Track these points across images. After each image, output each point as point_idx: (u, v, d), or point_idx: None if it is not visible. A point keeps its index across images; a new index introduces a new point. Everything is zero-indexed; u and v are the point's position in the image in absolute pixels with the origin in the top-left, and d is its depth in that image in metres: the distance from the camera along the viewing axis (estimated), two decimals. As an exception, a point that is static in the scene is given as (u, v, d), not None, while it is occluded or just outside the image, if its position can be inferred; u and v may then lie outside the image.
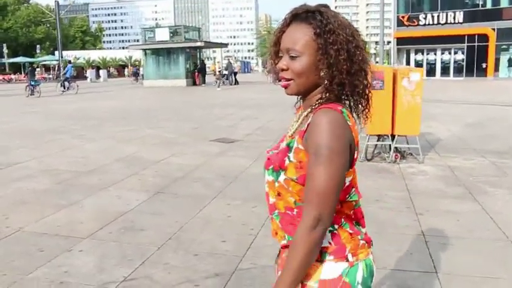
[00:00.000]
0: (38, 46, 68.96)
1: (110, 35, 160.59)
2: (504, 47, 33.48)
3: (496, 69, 33.44)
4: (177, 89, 27.85)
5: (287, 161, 1.36)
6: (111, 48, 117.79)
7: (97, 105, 18.10)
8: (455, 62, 34.62)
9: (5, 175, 6.64)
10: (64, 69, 27.58)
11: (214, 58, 38.27)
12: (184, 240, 4.11)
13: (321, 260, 1.35)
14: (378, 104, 5.89)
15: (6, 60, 59.36)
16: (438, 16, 34.48)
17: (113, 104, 18.57)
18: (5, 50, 59.18)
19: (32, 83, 23.85)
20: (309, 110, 1.40)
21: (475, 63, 33.49)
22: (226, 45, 43.31)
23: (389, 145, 7.90)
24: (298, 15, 1.41)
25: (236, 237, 4.19)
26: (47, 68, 55.50)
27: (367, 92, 1.44)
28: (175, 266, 3.59)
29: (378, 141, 7.84)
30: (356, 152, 1.37)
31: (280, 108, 15.42)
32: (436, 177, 6.46)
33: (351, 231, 1.39)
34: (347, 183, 1.36)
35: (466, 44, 34.14)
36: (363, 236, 1.43)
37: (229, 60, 32.62)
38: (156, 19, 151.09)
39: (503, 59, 33.66)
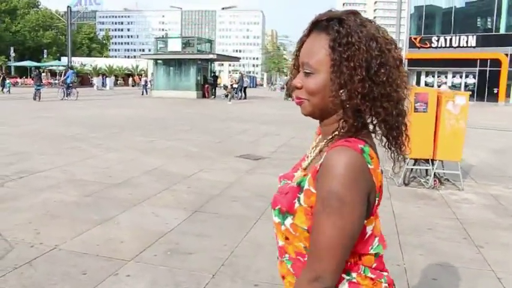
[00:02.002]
0: (45, 51, 69.04)
1: (116, 43, 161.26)
2: (517, 73, 33.39)
3: (508, 94, 33.24)
4: (188, 101, 27.57)
5: (297, 204, 1.16)
6: (116, 57, 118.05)
7: (109, 113, 17.80)
8: (466, 85, 34.43)
9: (30, 184, 6.30)
10: (65, 75, 27.25)
11: (221, 71, 38.05)
12: (239, 268, 3.76)
13: None
14: (420, 126, 5.54)
15: (12, 64, 59.31)
16: (451, 39, 34.40)
17: (125, 113, 18.27)
18: (12, 53, 59.19)
19: (37, 87, 23.62)
20: (324, 142, 1.20)
21: (486, 87, 33.32)
22: (238, 59, 43.22)
23: (426, 170, 7.62)
24: (319, 23, 1.18)
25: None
26: (53, 74, 55.35)
27: (398, 123, 1.18)
28: None
29: (414, 165, 7.55)
30: (378, 198, 1.15)
31: (298, 125, 15.10)
32: (483, 206, 6.14)
33: (372, 276, 1.19)
34: (368, 233, 1.16)
35: (477, 68, 34.01)
36: (386, 278, 1.23)
37: (241, 74, 32.36)
38: (163, 29, 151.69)
39: (516, 85, 33.55)
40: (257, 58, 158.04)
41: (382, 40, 1.14)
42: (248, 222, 4.95)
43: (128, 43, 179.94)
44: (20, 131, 11.86)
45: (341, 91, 1.12)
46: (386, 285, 1.23)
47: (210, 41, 34.16)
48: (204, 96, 31.08)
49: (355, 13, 1.18)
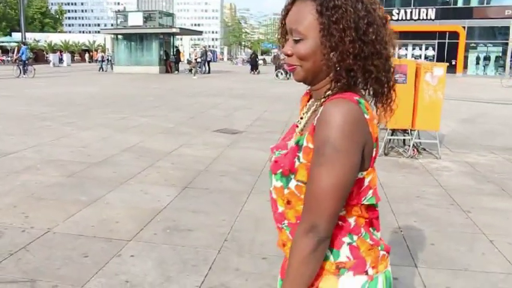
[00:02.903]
0: (-6, 26, 65.59)
1: (69, 18, 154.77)
2: (473, 45, 34.28)
3: (465, 66, 34.22)
4: (151, 76, 26.92)
5: (297, 163, 1.16)
6: (70, 32, 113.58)
7: (73, 91, 17.15)
8: (426, 57, 35.11)
9: (4, 166, 6.01)
10: (18, 52, 26.02)
11: (179, 46, 37.27)
12: (243, 242, 3.74)
13: (338, 273, 1.18)
14: (399, 98, 5.68)
15: (-42, 40, 56.11)
16: (411, 12, 34.88)
17: (89, 90, 17.65)
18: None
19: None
20: (320, 100, 1.21)
21: (445, 59, 34.15)
22: (200, 32, 42.41)
23: (404, 140, 7.78)
24: None
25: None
26: (4, 50, 52.73)
27: (388, 78, 1.21)
28: (250, 272, 3.23)
29: (392, 135, 7.68)
30: (375, 149, 1.16)
31: (266, 98, 15.14)
32: (462, 174, 6.35)
33: (371, 242, 1.22)
34: (365, 184, 1.17)
35: (437, 41, 34.74)
36: (383, 246, 1.26)
37: (205, 48, 31.77)
38: (118, 3, 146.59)
39: (472, 56, 34.44)
40: (216, 32, 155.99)
41: (367, 0, 1.15)
42: (241, 196, 4.92)
43: (82, 18, 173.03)
44: (-20, 111, 11.28)
45: (332, 53, 1.13)
46: (384, 252, 1.25)
47: (171, 15, 33.24)
48: (167, 71, 30.43)
49: None
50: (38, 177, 5.51)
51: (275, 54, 29.51)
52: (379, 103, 1.23)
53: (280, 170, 1.20)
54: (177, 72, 30.83)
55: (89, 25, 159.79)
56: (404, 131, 7.58)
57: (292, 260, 1.13)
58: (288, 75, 23.47)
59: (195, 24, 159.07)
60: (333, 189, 1.08)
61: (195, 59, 28.16)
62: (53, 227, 3.99)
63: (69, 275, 3.15)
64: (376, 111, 1.24)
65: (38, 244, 3.64)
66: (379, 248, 1.24)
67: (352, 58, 1.12)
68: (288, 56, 1.20)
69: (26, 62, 25.03)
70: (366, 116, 1.12)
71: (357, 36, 1.11)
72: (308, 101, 1.33)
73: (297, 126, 1.30)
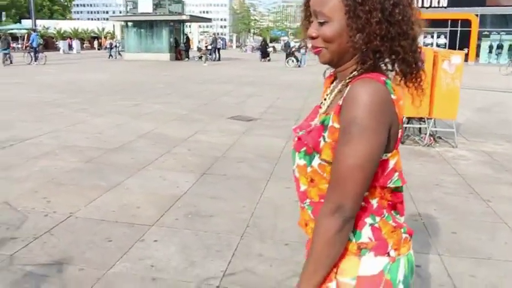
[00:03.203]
0: (3, 13, 65.53)
1: (78, 5, 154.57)
2: (486, 33, 33.72)
3: (477, 54, 33.76)
4: (162, 64, 26.87)
5: (322, 142, 1.16)
6: (79, 19, 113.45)
7: (83, 78, 17.18)
8: (437, 45, 34.64)
9: (22, 152, 6.05)
10: (29, 39, 26.09)
11: (189, 33, 37.06)
12: (265, 229, 3.74)
13: (360, 254, 1.17)
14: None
15: (-32, 27, 56.16)
16: (423, 0, 34.42)
17: (99, 77, 17.68)
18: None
19: (5, 51, 22.78)
20: (345, 80, 1.19)
21: (457, 48, 33.73)
22: (210, 20, 42.24)
23: (419, 128, 7.73)
24: None
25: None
26: (14, 37, 52.81)
27: (415, 59, 1.19)
28: (273, 258, 3.23)
29: (407, 123, 7.63)
30: (400, 130, 1.15)
31: (278, 86, 15.06)
32: (479, 163, 6.29)
33: (394, 224, 1.21)
34: (390, 167, 1.16)
35: (449, 29, 34.24)
36: (406, 229, 1.24)
37: (215, 35, 31.63)
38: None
39: (484, 45, 33.89)
40: (225, 19, 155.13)
41: None
42: (259, 183, 4.91)
43: (91, 5, 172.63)
44: (-6, 97, 11.34)
45: (358, 35, 1.12)
46: (407, 235, 1.24)
47: (181, 2, 32.97)
48: (177, 58, 30.36)
49: None
50: (57, 163, 5.54)
51: (285, 42, 29.27)
52: (409, 83, 1.21)
53: (304, 148, 1.20)
54: (187, 59, 30.73)
55: (98, 12, 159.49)
56: (420, 119, 7.53)
57: (317, 241, 1.12)
58: (299, 63, 23.37)
59: (204, 12, 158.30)
60: (359, 168, 1.07)
61: (206, 46, 28.05)
62: (75, 211, 4.02)
63: (94, 259, 3.17)
64: (408, 91, 1.22)
65: (61, 228, 3.67)
66: (402, 230, 1.23)
67: (379, 39, 1.11)
68: (313, 38, 1.19)
69: (37, 49, 25.09)
70: (392, 96, 1.11)
71: (383, 17, 1.10)
72: (332, 83, 1.32)
73: (320, 108, 1.29)
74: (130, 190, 4.64)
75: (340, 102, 1.13)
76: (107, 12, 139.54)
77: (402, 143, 7.29)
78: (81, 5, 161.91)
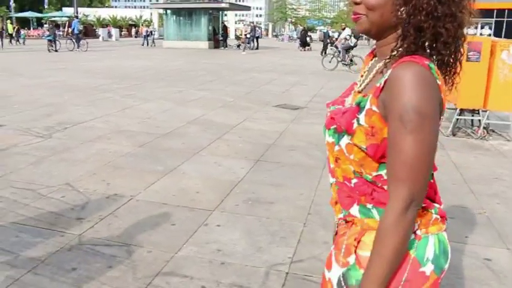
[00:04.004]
0: (45, 1, 67.25)
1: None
2: (534, 22, 32.47)
3: (525, 45, 32.44)
4: (201, 51, 26.98)
5: (355, 124, 1.10)
6: (116, 7, 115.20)
7: (125, 64, 17.42)
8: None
9: (77, 135, 6.17)
10: (70, 26, 26.60)
11: (226, 22, 37.05)
12: (327, 216, 3.67)
13: None
14: (471, 76, 5.38)
15: (13, 15, 57.81)
16: (468, -13, 33.23)
17: (141, 64, 17.89)
18: (12, 4, 57.59)
19: (53, 39, 23.43)
20: (385, 61, 1.13)
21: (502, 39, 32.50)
22: (249, 8, 42.09)
23: (472, 120, 7.47)
24: None
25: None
26: (56, 25, 54.14)
27: (457, 48, 1.13)
28: (340, 248, 3.17)
29: (459, 115, 7.37)
30: (442, 117, 1.10)
31: (320, 76, 14.84)
32: (539, 156, 6.03)
33: (423, 204, 1.12)
34: None
35: (494, 19, 33.00)
36: (437, 210, 1.18)
37: (254, 24, 31.49)
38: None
39: (533, 35, 32.67)
40: (260, 8, 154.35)
41: None
42: (315, 171, 4.85)
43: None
44: (43, 82, 11.62)
45: (404, 7, 1.07)
46: (438, 216, 1.18)
47: (220, -10, 32.94)
48: (216, 46, 30.42)
49: None
50: (111, 147, 5.63)
51: (324, 31, 28.74)
52: (445, 72, 1.15)
53: (334, 126, 1.16)
54: (224, 48, 30.77)
55: (135, 0, 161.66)
56: (473, 111, 7.26)
57: (391, 242, 1.05)
58: (338, 57, 20.70)
59: (239, 0, 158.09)
60: (426, 156, 1.03)
61: (245, 35, 27.96)
62: (135, 194, 4.06)
63: (160, 242, 3.19)
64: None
65: (124, 210, 3.71)
66: (433, 211, 1.17)
67: (424, 15, 1.06)
68: (356, 4, 1.15)
69: (79, 35, 25.61)
70: (437, 81, 1.06)
71: None
72: (371, 61, 1.27)
73: (356, 84, 1.24)
74: (187, 175, 4.65)
75: (379, 85, 1.08)
76: (144, 0, 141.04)
77: (454, 135, 7.06)
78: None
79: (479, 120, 7.13)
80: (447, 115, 7.82)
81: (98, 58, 20.50)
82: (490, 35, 33.30)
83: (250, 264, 2.90)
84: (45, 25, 54.11)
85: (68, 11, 56.40)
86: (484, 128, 7.15)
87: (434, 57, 1.13)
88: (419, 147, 1.02)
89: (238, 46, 27.81)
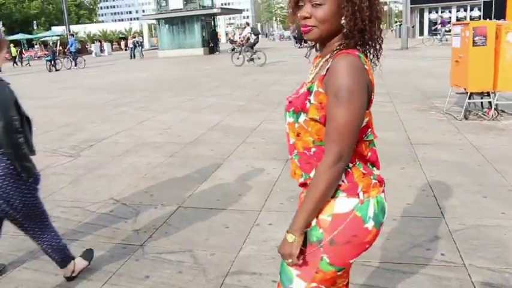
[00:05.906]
0: (34, 22, 67.32)
1: (101, 7, 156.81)
2: (523, -1, 32.63)
3: (515, 23, 32.65)
4: (197, 58, 27.13)
5: (308, 104, 1.42)
6: (103, 21, 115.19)
7: (127, 78, 17.57)
8: (471, 19, 33.75)
9: (105, 151, 6.34)
10: (69, 43, 26.72)
11: (217, 27, 37.16)
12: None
13: (334, 196, 1.43)
14: (479, 60, 5.67)
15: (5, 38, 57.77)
16: (455, -30, 33.50)
17: (142, 76, 18.05)
18: (1, 28, 57.67)
19: (51, 59, 23.68)
20: (329, 55, 1.43)
21: (492, 20, 32.65)
22: (241, 11, 42.26)
23: (481, 102, 7.65)
24: None
25: (420, 200, 3.94)
26: (46, 45, 54.20)
27: (381, 38, 1.48)
28: (388, 232, 3.34)
29: (469, 98, 7.53)
30: (372, 94, 1.43)
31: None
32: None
33: (364, 171, 1.47)
34: (364, 124, 1.42)
35: (483, 0, 33.24)
36: (376, 176, 1.50)
37: (247, 24, 31.53)
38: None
39: (522, 12, 32.86)
40: (247, 10, 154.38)
41: None
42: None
43: (114, 6, 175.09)
44: (53, 103, 11.77)
45: (350, 18, 1.37)
46: (376, 181, 1.49)
47: (210, -5, 33.15)
48: (211, 51, 30.55)
49: None
50: (142, 159, 5.79)
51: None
52: (374, 57, 1.50)
53: (293, 108, 1.48)
54: (217, 52, 30.89)
55: (121, 13, 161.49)
56: (482, 94, 7.44)
57: (320, 187, 1.38)
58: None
59: (225, 3, 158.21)
60: (353, 123, 1.35)
61: (241, 39, 27.98)
62: (181, 202, 4.23)
63: (220, 244, 3.35)
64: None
65: (176, 218, 3.88)
66: (372, 177, 1.48)
67: (367, 21, 1.38)
68: (305, 18, 1.41)
69: (76, 53, 25.75)
70: (365, 66, 1.38)
71: (369, 4, 1.37)
72: (317, 60, 1.56)
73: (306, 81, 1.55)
74: (225, 179, 4.82)
75: (323, 73, 1.40)
76: (130, 12, 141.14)
77: (466, 118, 7.23)
78: (104, 7, 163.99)
79: (489, 102, 7.32)
80: (456, 100, 8.02)
81: (98, 74, 20.65)
82: (479, 16, 33.55)
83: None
84: (35, 46, 54.51)
85: (57, 30, 56.45)
86: (494, 109, 7.34)
87: (366, 49, 1.46)
88: (348, 116, 1.33)
89: (233, 50, 27.87)
